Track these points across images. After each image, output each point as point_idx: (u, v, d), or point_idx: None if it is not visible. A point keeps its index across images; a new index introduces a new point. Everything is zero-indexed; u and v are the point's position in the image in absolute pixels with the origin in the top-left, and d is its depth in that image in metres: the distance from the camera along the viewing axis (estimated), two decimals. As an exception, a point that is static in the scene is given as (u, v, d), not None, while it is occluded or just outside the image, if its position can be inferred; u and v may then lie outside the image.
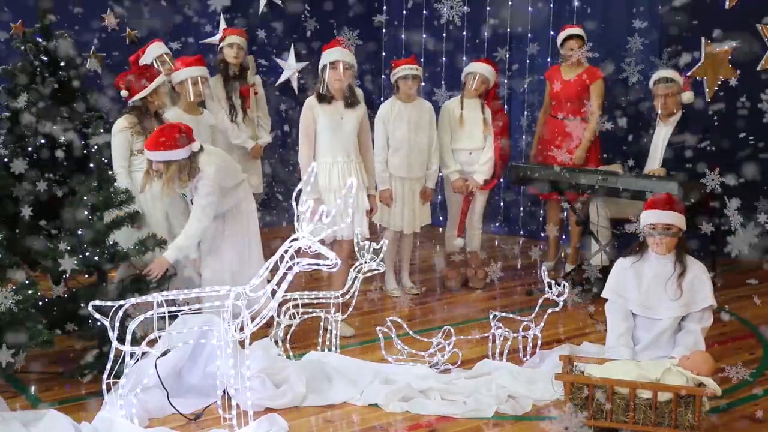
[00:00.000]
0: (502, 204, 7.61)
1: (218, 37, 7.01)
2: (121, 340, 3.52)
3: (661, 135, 5.66)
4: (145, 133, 4.74)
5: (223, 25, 7.18)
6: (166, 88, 5.00)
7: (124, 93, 4.79)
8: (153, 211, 4.75)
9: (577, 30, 6.18)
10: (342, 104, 4.98)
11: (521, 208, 7.58)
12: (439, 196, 6.97)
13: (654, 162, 5.64)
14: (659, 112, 5.65)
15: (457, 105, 5.80)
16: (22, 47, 5.13)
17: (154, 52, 5.60)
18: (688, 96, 5.62)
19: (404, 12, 7.94)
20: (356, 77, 6.09)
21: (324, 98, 4.95)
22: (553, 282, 4.54)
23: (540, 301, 4.54)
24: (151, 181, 4.36)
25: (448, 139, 5.78)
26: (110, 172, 4.32)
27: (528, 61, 7.36)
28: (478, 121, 5.76)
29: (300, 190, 3.64)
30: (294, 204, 3.68)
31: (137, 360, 3.60)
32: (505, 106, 7.51)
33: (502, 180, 7.43)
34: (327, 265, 3.60)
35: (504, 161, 6.02)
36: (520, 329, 4.53)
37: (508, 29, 7.43)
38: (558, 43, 6.27)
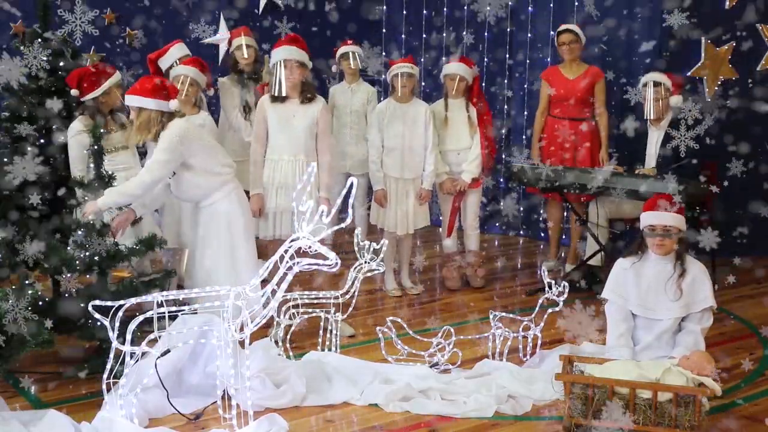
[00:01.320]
0: (501, 204, 7.61)
1: (221, 37, 7.02)
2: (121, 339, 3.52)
3: (654, 139, 5.66)
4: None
5: (223, 25, 7.18)
6: (120, 89, 4.93)
7: (74, 92, 4.76)
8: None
9: (570, 25, 6.19)
10: (296, 102, 4.93)
11: (521, 208, 7.58)
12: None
13: (649, 167, 5.64)
14: (649, 116, 5.63)
15: (442, 107, 5.79)
16: (22, 47, 5.13)
17: (176, 53, 5.57)
18: (676, 100, 5.58)
19: (404, 12, 7.94)
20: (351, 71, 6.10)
21: (276, 97, 4.92)
22: (553, 282, 4.54)
23: (540, 301, 4.54)
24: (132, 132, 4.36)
25: (436, 141, 5.77)
26: (109, 171, 4.30)
27: (528, 61, 7.37)
28: (463, 121, 5.75)
29: (299, 191, 3.64)
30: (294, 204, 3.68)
31: (137, 360, 3.60)
32: (506, 106, 7.54)
33: (501, 180, 7.48)
34: (327, 265, 3.60)
35: (492, 157, 5.98)
36: (520, 329, 4.53)
37: (509, 29, 7.44)
38: (556, 42, 6.28)
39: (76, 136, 4.66)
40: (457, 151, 5.77)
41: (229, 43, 5.97)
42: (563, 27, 6.22)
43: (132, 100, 4.31)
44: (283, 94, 4.91)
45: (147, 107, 4.27)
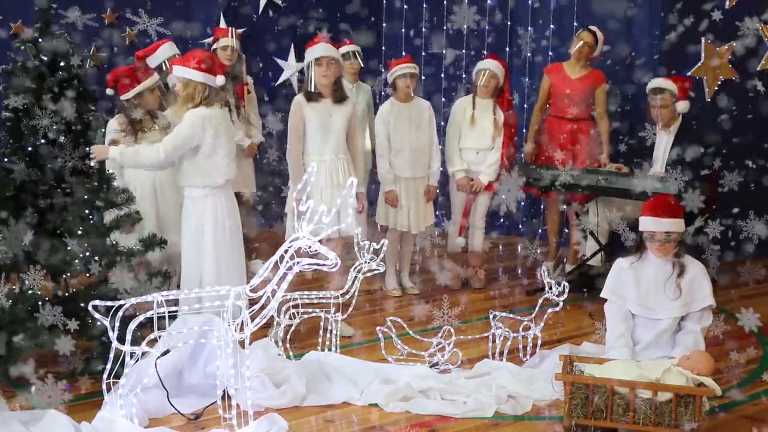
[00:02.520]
0: (502, 203, 7.60)
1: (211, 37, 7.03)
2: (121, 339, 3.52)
3: (662, 144, 5.63)
4: (135, 134, 4.72)
5: (223, 24, 7.18)
6: (158, 91, 4.93)
7: (109, 91, 4.77)
8: (146, 209, 4.74)
9: (594, 27, 6.19)
10: (330, 101, 4.93)
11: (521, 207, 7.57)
12: (440, 197, 6.97)
13: (656, 171, 5.63)
14: (656, 123, 5.61)
15: (469, 104, 5.79)
16: (22, 47, 5.12)
17: (165, 52, 5.57)
18: (683, 105, 5.56)
19: (404, 9, 7.94)
20: (359, 70, 6.14)
21: (312, 96, 4.92)
22: (553, 282, 4.54)
23: (540, 301, 4.54)
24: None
25: (457, 138, 5.77)
26: (110, 171, 4.31)
27: (529, 57, 7.38)
28: (489, 121, 5.75)
29: (299, 190, 3.64)
30: (293, 204, 3.68)
31: (137, 360, 3.60)
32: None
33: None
34: (327, 265, 3.60)
35: (510, 163, 5.98)
36: (520, 329, 4.53)
37: (509, 23, 7.45)
38: (574, 38, 6.26)
39: (112, 134, 4.69)
40: (476, 150, 5.77)
41: (214, 41, 5.96)
42: (591, 27, 6.21)
43: (180, 71, 4.32)
44: (319, 92, 4.90)
45: (194, 79, 4.28)
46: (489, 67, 5.74)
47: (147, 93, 4.82)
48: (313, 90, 4.91)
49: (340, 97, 4.95)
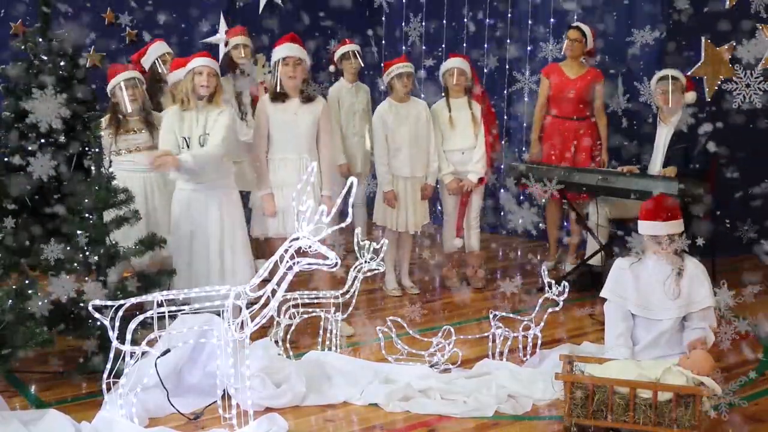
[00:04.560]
0: (501, 203, 7.60)
1: (220, 37, 7.03)
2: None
3: (663, 136, 5.64)
4: (116, 131, 4.70)
5: (223, 25, 7.18)
6: (134, 89, 4.85)
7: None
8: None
9: (581, 24, 6.19)
10: (297, 101, 4.90)
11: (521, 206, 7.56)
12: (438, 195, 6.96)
13: (656, 164, 5.63)
14: (663, 109, 5.61)
15: (444, 107, 5.78)
16: (22, 47, 5.12)
17: (156, 51, 5.56)
18: (691, 96, 5.59)
19: (403, 9, 7.95)
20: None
21: (277, 96, 4.90)
22: (553, 282, 4.54)
23: (540, 300, 4.54)
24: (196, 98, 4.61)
25: (439, 141, 5.76)
26: (110, 170, 4.30)
27: (528, 55, 7.38)
28: (467, 119, 5.74)
29: (299, 190, 3.64)
30: (293, 203, 3.68)
31: (137, 360, 3.60)
32: (503, 104, 7.53)
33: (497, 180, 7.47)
34: (327, 265, 3.59)
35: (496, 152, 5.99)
36: (520, 329, 4.53)
37: (508, 23, 7.45)
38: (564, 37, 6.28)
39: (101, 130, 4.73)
40: (461, 150, 5.76)
41: (226, 42, 5.97)
42: (574, 24, 6.25)
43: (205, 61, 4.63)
44: (285, 92, 4.89)
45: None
46: (456, 65, 5.74)
47: (116, 91, 4.77)
48: (278, 90, 4.90)
49: (307, 97, 4.91)
